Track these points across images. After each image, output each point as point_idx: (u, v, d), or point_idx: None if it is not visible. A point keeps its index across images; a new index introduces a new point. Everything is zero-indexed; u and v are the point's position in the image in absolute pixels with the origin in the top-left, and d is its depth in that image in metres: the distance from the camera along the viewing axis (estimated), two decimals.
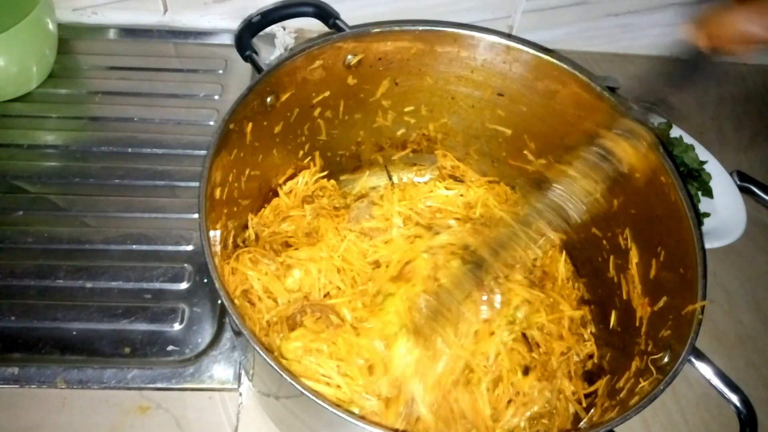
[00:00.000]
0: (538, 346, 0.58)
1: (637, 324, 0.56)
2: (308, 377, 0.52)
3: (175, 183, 0.76)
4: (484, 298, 0.56)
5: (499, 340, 0.56)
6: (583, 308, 0.65)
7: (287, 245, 0.64)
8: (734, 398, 0.46)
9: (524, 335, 0.58)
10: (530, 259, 0.66)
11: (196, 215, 0.72)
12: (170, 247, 0.71)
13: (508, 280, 0.59)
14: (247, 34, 0.65)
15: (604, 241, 0.64)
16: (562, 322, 0.62)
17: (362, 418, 0.50)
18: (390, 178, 0.76)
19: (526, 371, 0.57)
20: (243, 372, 0.62)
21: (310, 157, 0.70)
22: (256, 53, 0.64)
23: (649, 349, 0.53)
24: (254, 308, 0.59)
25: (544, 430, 0.56)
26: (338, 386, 0.53)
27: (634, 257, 0.59)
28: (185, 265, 0.69)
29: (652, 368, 0.49)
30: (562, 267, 0.67)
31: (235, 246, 0.61)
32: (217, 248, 0.55)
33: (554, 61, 0.60)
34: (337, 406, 0.40)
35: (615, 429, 0.44)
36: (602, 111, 0.58)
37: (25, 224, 0.71)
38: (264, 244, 0.64)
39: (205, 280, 0.68)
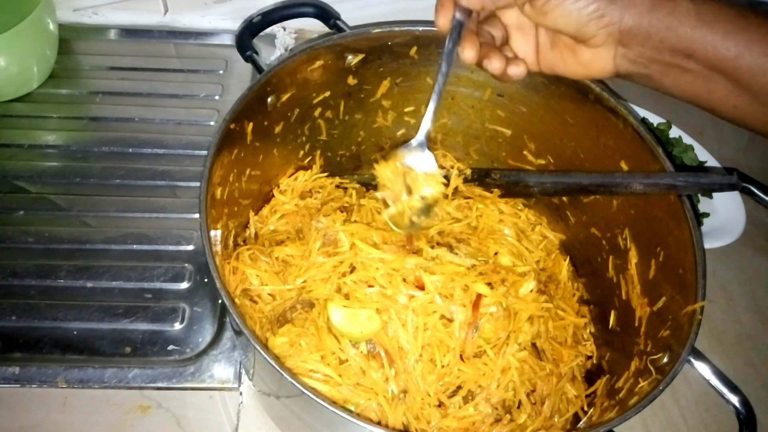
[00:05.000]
0: (544, 352, 0.58)
1: (637, 324, 0.57)
2: (299, 375, 0.53)
3: (176, 183, 0.76)
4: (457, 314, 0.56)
5: (509, 356, 0.56)
6: (582, 308, 0.66)
7: (281, 242, 0.64)
8: (733, 399, 0.46)
9: (534, 344, 0.58)
10: (533, 261, 0.67)
11: (196, 215, 0.72)
12: (171, 247, 0.71)
13: (519, 296, 0.58)
14: (248, 35, 0.65)
15: (604, 242, 0.64)
16: (567, 329, 0.62)
17: (361, 416, 0.50)
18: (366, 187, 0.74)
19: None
20: (243, 371, 0.63)
21: (310, 157, 0.70)
22: (257, 53, 0.64)
23: (648, 349, 0.53)
24: (255, 306, 0.59)
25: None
26: (328, 377, 0.53)
27: (633, 257, 0.59)
28: (186, 264, 0.69)
29: (652, 368, 0.49)
30: (565, 270, 0.67)
31: (236, 245, 0.62)
32: (218, 248, 0.55)
33: None
34: (338, 405, 0.40)
35: (614, 429, 0.44)
36: (601, 111, 0.58)
37: (26, 224, 0.71)
38: (263, 242, 0.64)
39: (206, 280, 0.68)
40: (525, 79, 0.52)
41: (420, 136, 0.53)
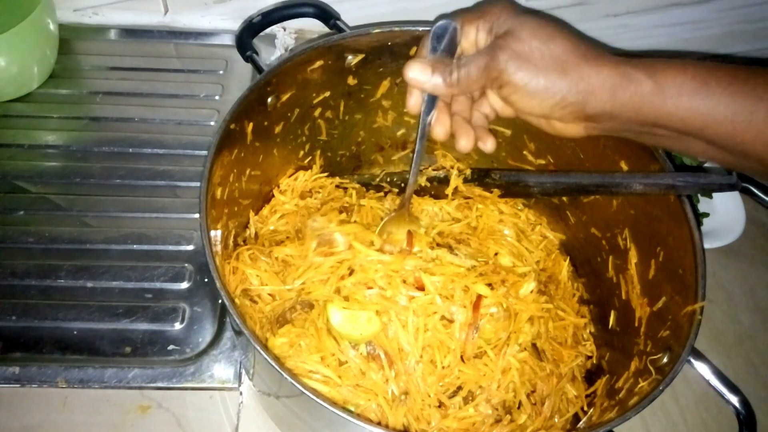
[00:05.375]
0: (544, 353, 0.58)
1: (636, 324, 0.57)
2: (299, 376, 0.53)
3: (176, 183, 0.76)
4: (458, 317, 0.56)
5: (510, 357, 0.56)
6: (582, 308, 0.66)
7: (281, 242, 0.64)
8: (733, 399, 0.46)
9: (534, 345, 0.58)
10: (533, 261, 0.67)
11: (196, 215, 0.72)
12: (171, 247, 0.71)
13: (520, 296, 0.58)
14: (248, 35, 0.65)
15: (603, 242, 0.64)
16: (567, 329, 0.62)
17: (361, 417, 0.50)
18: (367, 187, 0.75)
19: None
20: (243, 371, 0.63)
21: (310, 157, 0.70)
22: (257, 54, 0.64)
23: (648, 349, 0.53)
24: (255, 306, 0.59)
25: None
26: (328, 377, 0.53)
27: (633, 257, 0.59)
28: (186, 264, 0.69)
29: (652, 368, 0.50)
30: (565, 271, 0.67)
31: (236, 245, 0.62)
32: (218, 248, 0.55)
33: None
34: (338, 406, 0.40)
35: (614, 429, 0.44)
36: None
37: (26, 224, 0.71)
38: (263, 242, 0.64)
39: (206, 280, 0.68)
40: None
41: (403, 209, 0.58)
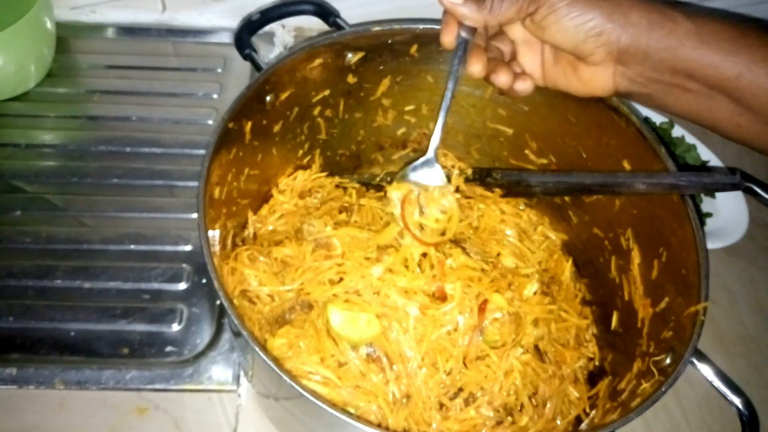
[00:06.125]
0: (547, 354, 0.58)
1: (639, 325, 0.56)
2: (298, 377, 0.52)
3: (174, 182, 0.76)
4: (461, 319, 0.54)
5: (512, 359, 0.55)
6: (584, 309, 0.65)
7: (279, 242, 0.63)
8: (736, 400, 0.46)
9: (536, 347, 0.57)
10: (536, 261, 0.66)
11: (194, 215, 0.71)
12: (169, 247, 0.70)
13: (524, 298, 0.58)
14: (247, 33, 0.64)
15: (606, 242, 0.63)
16: (569, 330, 0.61)
17: (361, 419, 0.49)
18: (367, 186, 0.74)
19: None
20: (242, 373, 0.62)
21: (309, 157, 0.69)
22: (256, 52, 0.63)
23: (650, 350, 0.52)
24: (254, 307, 0.58)
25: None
26: (327, 379, 0.53)
27: (635, 258, 0.58)
28: (184, 265, 0.69)
29: (654, 370, 0.49)
30: (568, 271, 0.66)
31: (234, 245, 0.61)
32: (216, 248, 0.55)
33: None
34: (338, 408, 0.40)
35: (616, 431, 0.44)
36: (604, 111, 0.58)
37: (23, 224, 0.71)
38: (262, 242, 0.63)
39: (204, 281, 0.68)
40: None
41: (429, 152, 0.54)
